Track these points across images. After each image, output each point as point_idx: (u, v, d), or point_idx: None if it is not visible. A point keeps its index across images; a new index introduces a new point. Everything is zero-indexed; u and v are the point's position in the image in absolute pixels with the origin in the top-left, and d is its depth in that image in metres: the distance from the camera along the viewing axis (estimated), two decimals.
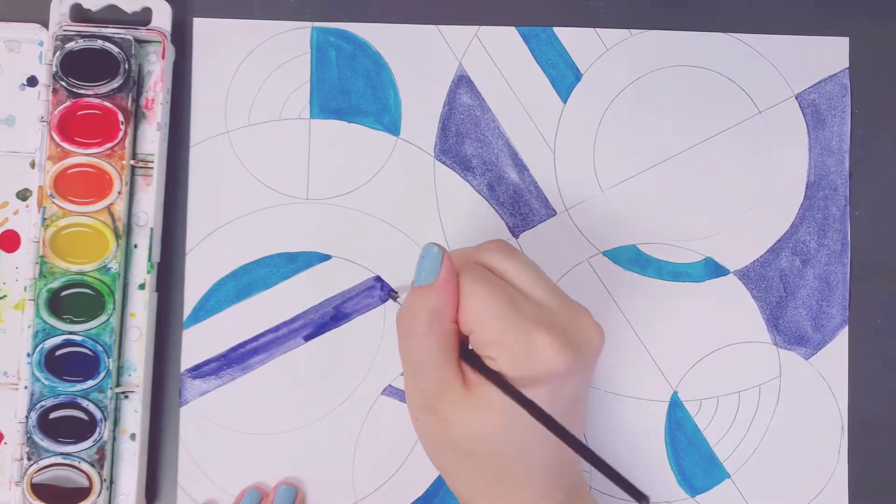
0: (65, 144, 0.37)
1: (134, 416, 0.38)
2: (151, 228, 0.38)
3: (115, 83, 0.37)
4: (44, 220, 0.37)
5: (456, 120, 0.40)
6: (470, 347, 0.30)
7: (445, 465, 0.31)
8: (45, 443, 0.36)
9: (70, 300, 0.37)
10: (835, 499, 0.39)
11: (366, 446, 0.39)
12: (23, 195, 0.39)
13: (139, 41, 0.38)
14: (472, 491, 0.31)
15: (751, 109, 0.40)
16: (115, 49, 0.37)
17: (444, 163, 0.40)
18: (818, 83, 0.41)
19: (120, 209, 0.37)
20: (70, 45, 0.37)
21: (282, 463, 0.39)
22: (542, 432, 0.28)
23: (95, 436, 0.36)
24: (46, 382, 0.36)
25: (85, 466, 0.36)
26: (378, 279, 0.39)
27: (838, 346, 0.40)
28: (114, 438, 0.37)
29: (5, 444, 0.38)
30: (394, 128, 0.40)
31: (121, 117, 0.37)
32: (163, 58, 0.38)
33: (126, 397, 0.38)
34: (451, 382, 0.29)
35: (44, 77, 0.38)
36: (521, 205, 0.40)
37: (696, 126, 0.40)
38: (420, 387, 0.30)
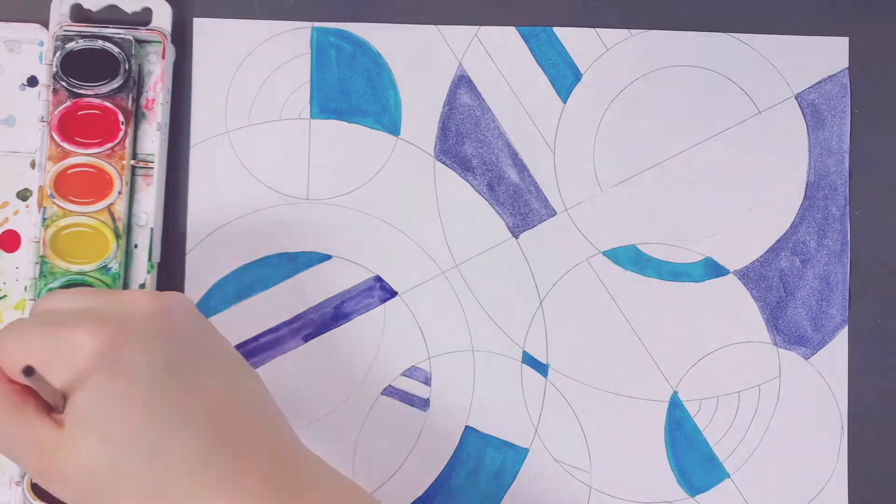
0: (65, 144, 0.37)
1: None
2: (151, 228, 0.38)
3: (116, 83, 0.37)
4: (44, 220, 0.37)
5: (456, 120, 0.40)
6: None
7: None
8: None
9: None
10: (835, 499, 0.39)
11: (366, 446, 0.39)
12: (23, 195, 0.39)
13: (139, 41, 0.38)
14: None
15: (751, 109, 0.40)
16: (115, 49, 0.37)
17: (444, 163, 0.40)
18: (818, 83, 0.41)
19: (120, 209, 0.37)
20: (70, 46, 0.37)
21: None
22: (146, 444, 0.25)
23: None
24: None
25: None
26: (378, 279, 0.39)
27: (838, 346, 0.40)
28: None
29: None
30: (394, 128, 0.40)
31: (121, 117, 0.37)
32: (163, 58, 0.38)
33: None
34: (44, 436, 0.26)
35: (44, 77, 0.38)
36: (521, 205, 0.40)
37: (696, 126, 0.40)
38: (27, 464, 0.27)
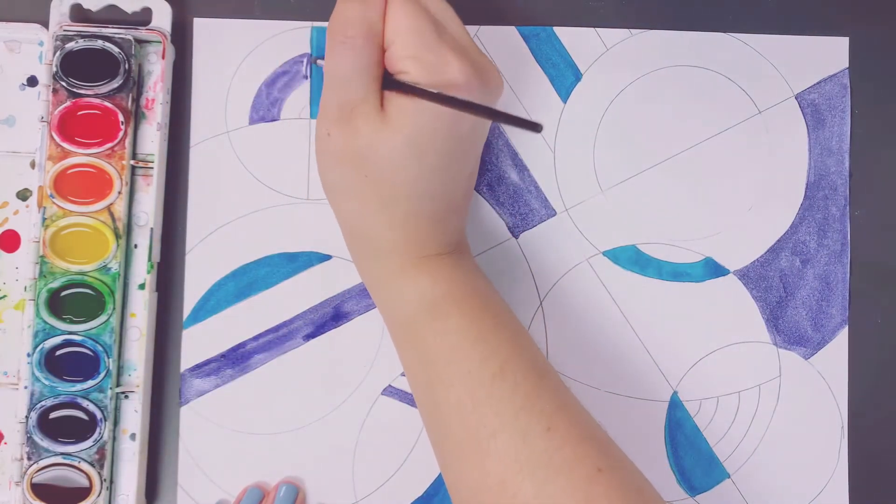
0: (65, 144, 0.37)
1: (134, 416, 0.38)
2: (151, 228, 0.38)
3: (116, 83, 0.37)
4: (44, 220, 0.37)
5: None
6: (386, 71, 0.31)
7: (341, 180, 0.32)
8: (45, 443, 0.36)
9: (70, 300, 0.37)
10: (835, 499, 0.39)
11: (366, 446, 0.39)
12: (23, 195, 0.39)
13: (139, 41, 0.38)
14: (360, 214, 0.33)
15: (751, 109, 0.40)
16: (115, 49, 0.37)
17: None
18: (818, 83, 0.41)
19: (120, 209, 0.37)
20: (70, 45, 0.37)
21: (282, 463, 0.39)
22: (440, 163, 0.31)
23: (95, 436, 0.37)
24: (46, 382, 0.36)
25: (85, 466, 0.36)
26: None
27: (838, 346, 0.40)
28: (114, 438, 0.37)
29: (5, 444, 0.38)
30: None
31: (121, 117, 0.37)
32: (163, 58, 0.38)
33: (126, 397, 0.38)
34: (372, 101, 0.31)
35: (44, 77, 0.38)
36: (521, 205, 0.40)
37: (696, 126, 0.40)
38: (340, 100, 0.31)
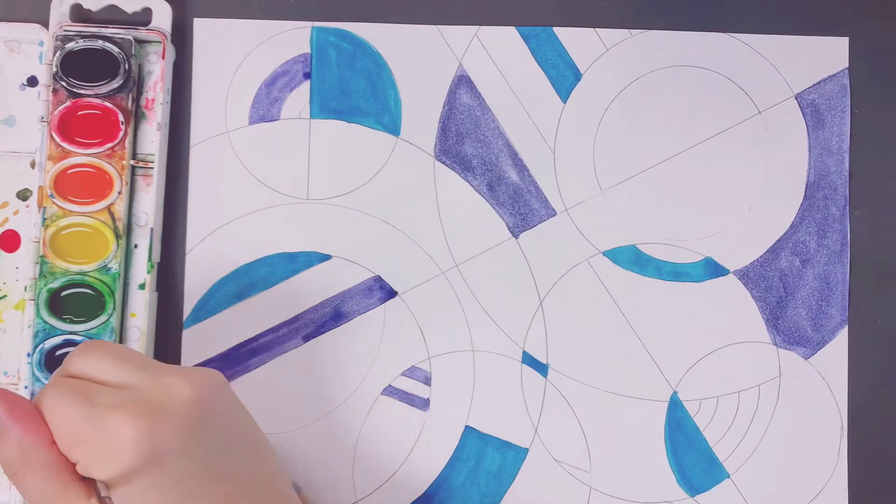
0: (65, 144, 0.37)
1: None
2: (151, 228, 0.38)
3: (116, 83, 0.37)
4: (44, 220, 0.37)
5: (456, 120, 0.40)
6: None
7: None
8: None
9: (70, 300, 0.37)
10: (835, 499, 0.39)
11: (366, 446, 0.39)
12: (23, 195, 0.39)
13: (139, 41, 0.38)
14: None
15: (751, 109, 0.40)
16: (115, 49, 0.37)
17: (444, 163, 0.40)
18: (818, 83, 0.41)
19: (120, 209, 0.37)
20: (70, 46, 0.37)
21: (282, 463, 0.39)
22: None
23: None
24: (46, 382, 0.36)
25: None
26: (378, 279, 0.39)
27: (838, 346, 0.40)
28: None
29: None
30: (394, 128, 0.40)
31: (121, 117, 0.37)
32: (163, 58, 0.38)
33: None
34: None
35: (44, 77, 0.38)
36: (521, 205, 0.40)
37: (696, 126, 0.40)
38: None
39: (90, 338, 0.37)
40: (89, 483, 0.27)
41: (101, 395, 0.27)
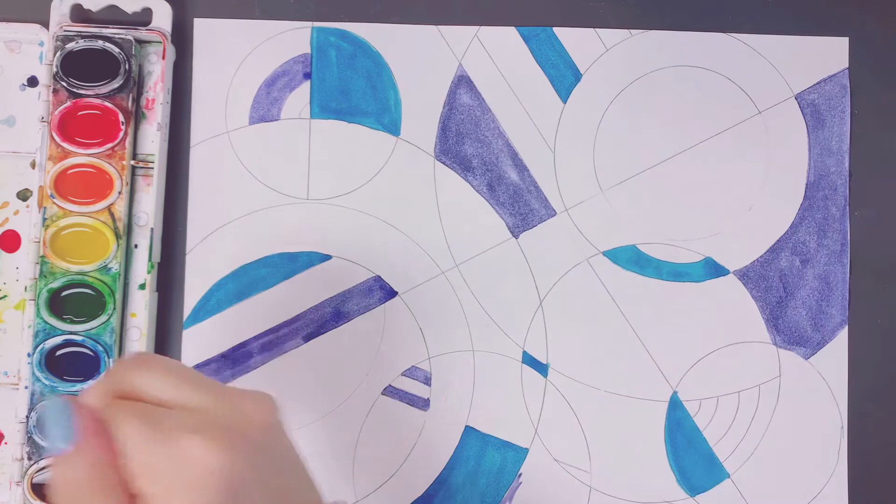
0: (65, 144, 0.37)
1: None
2: (152, 228, 0.38)
3: (116, 83, 0.37)
4: (44, 220, 0.37)
5: (456, 120, 0.40)
6: None
7: None
8: (45, 443, 0.36)
9: (70, 300, 0.37)
10: (835, 499, 0.39)
11: (366, 446, 0.39)
12: (23, 195, 0.39)
13: (139, 41, 0.38)
14: None
15: (751, 109, 0.40)
16: (115, 49, 0.37)
17: (444, 163, 0.40)
18: (818, 83, 0.41)
19: (120, 209, 0.37)
20: (70, 46, 0.37)
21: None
22: None
23: None
24: (47, 382, 0.36)
25: None
26: (378, 279, 0.39)
27: (838, 346, 0.40)
28: None
29: (5, 444, 0.38)
30: (394, 128, 0.40)
31: (121, 117, 0.37)
32: (163, 58, 0.38)
33: None
34: None
35: (44, 77, 0.38)
36: (521, 205, 0.40)
37: (696, 126, 0.40)
38: None
39: (90, 338, 0.37)
40: None
41: (168, 418, 0.25)
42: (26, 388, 0.36)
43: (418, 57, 0.40)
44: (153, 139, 0.39)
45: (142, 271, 0.38)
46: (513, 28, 0.40)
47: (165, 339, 0.39)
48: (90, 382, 0.37)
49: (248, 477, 0.25)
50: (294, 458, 0.28)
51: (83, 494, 0.24)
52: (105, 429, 0.24)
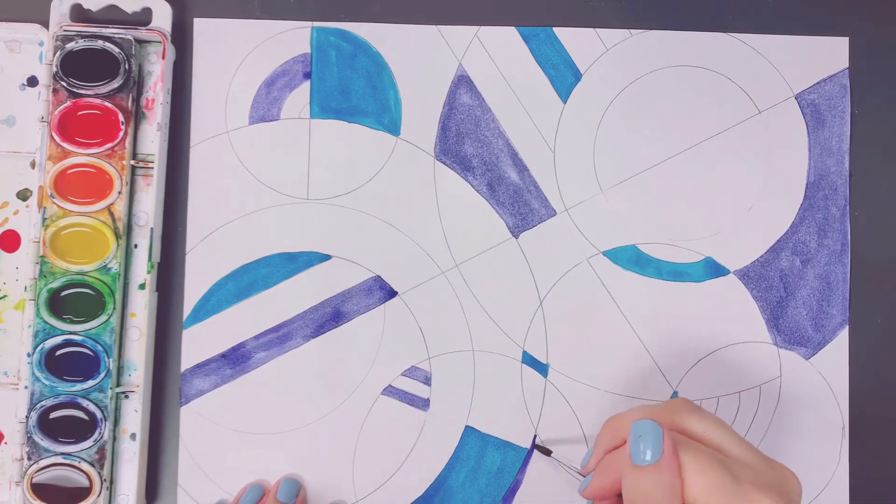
0: (65, 144, 0.37)
1: (134, 415, 0.38)
2: (151, 228, 0.38)
3: (116, 83, 0.37)
4: (44, 220, 0.37)
5: (456, 120, 0.40)
6: None
7: None
8: (45, 443, 0.36)
9: (70, 300, 0.37)
10: (835, 499, 0.39)
11: (366, 446, 0.39)
12: (23, 195, 0.39)
13: (139, 41, 0.38)
14: None
15: (751, 109, 0.40)
16: (115, 49, 0.37)
17: (444, 163, 0.40)
18: (818, 83, 0.41)
19: (120, 209, 0.37)
20: (70, 46, 0.37)
21: (282, 463, 0.39)
22: None
23: (95, 436, 0.37)
24: (47, 382, 0.36)
25: (85, 466, 0.36)
26: (378, 279, 0.39)
27: (838, 346, 0.40)
28: (114, 438, 0.37)
29: (5, 444, 0.38)
30: (394, 128, 0.40)
31: (121, 117, 0.37)
32: (163, 58, 0.38)
33: (126, 397, 0.38)
34: None
35: (44, 77, 0.38)
36: (521, 205, 0.40)
37: (696, 126, 0.40)
38: None
39: (90, 338, 0.37)
40: None
41: (737, 469, 0.28)
42: (26, 388, 0.36)
43: (418, 57, 0.40)
44: (153, 139, 0.39)
45: (142, 271, 0.38)
46: (513, 28, 0.40)
47: (165, 339, 0.39)
48: (90, 382, 0.37)
49: None
50: None
51: (665, 500, 0.27)
52: (678, 454, 0.28)
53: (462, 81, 0.40)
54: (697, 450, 0.28)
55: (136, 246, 0.38)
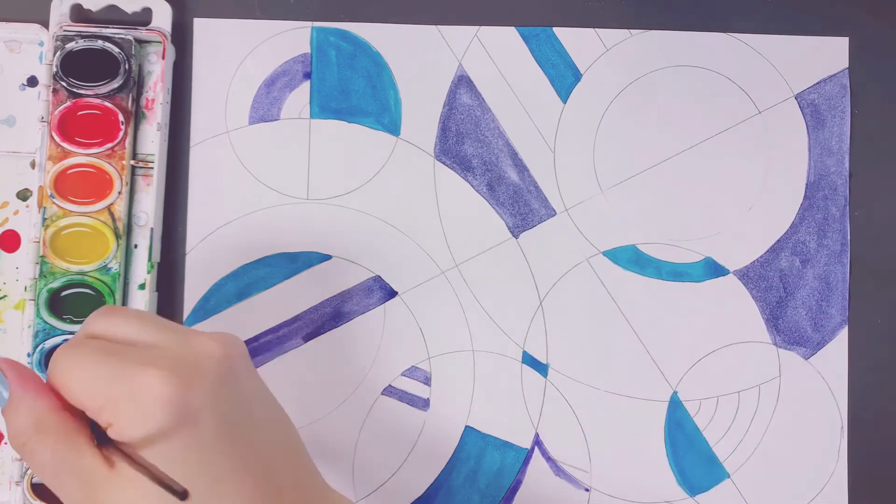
0: (65, 144, 0.37)
1: None
2: (151, 228, 0.38)
3: (116, 83, 0.37)
4: (44, 220, 0.37)
5: (456, 120, 0.40)
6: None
7: None
8: None
9: (70, 300, 0.37)
10: (835, 499, 0.39)
11: (366, 446, 0.39)
12: (23, 195, 0.39)
13: (139, 41, 0.38)
14: None
15: (751, 109, 0.40)
16: (115, 49, 0.37)
17: (444, 163, 0.40)
18: (818, 83, 0.41)
19: (120, 209, 0.37)
20: (70, 46, 0.37)
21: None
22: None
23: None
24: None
25: None
26: (378, 279, 0.39)
27: (838, 346, 0.40)
28: None
29: (5, 444, 0.38)
30: (394, 128, 0.40)
31: (121, 117, 0.37)
32: (163, 58, 0.38)
33: None
34: (94, 473, 0.26)
35: (44, 77, 0.38)
36: (521, 205, 0.40)
37: (696, 126, 0.40)
38: (71, 499, 0.26)
39: None
40: (112, 448, 0.26)
41: (127, 353, 0.26)
42: None
43: (418, 57, 0.40)
44: (153, 139, 0.39)
45: (142, 271, 0.38)
46: (513, 28, 0.40)
47: None
48: None
49: (205, 406, 0.26)
50: (265, 397, 0.30)
51: (27, 439, 0.26)
52: (41, 380, 0.27)
53: (462, 81, 0.40)
54: (76, 348, 0.27)
55: (136, 246, 0.38)
